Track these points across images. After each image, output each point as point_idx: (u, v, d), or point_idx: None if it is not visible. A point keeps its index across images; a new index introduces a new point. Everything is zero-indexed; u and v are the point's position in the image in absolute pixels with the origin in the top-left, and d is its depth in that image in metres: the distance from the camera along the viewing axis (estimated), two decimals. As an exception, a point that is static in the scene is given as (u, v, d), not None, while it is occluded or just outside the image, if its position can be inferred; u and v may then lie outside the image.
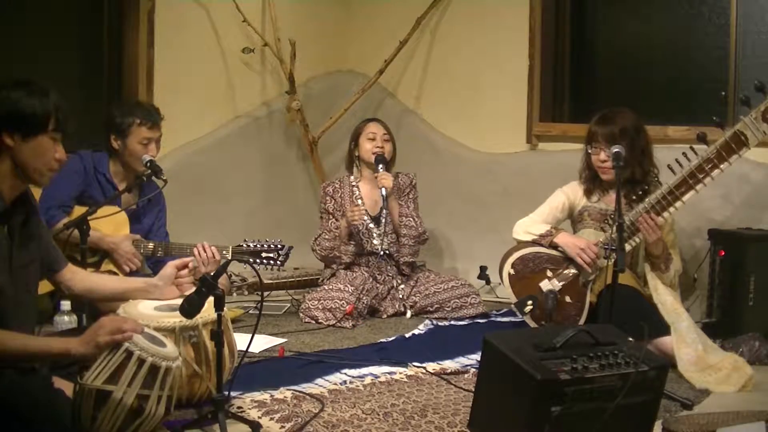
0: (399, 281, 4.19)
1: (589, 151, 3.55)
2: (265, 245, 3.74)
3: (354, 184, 4.28)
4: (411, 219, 4.18)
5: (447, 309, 4.07)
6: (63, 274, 2.56)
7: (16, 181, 2.27)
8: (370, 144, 4.20)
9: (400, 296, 4.15)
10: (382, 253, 4.16)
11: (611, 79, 4.87)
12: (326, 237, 4.15)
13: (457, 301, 4.08)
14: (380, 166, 4.13)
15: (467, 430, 2.45)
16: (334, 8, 5.49)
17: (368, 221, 4.19)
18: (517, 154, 4.88)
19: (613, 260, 3.06)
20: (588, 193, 3.65)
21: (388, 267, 4.19)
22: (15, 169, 2.24)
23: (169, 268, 2.71)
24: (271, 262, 3.74)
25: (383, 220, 4.14)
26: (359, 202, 4.22)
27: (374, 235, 4.19)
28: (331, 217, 4.20)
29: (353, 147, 4.30)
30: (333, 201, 4.22)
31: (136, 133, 3.63)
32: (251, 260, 3.65)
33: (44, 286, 2.57)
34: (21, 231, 2.30)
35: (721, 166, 3.20)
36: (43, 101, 2.23)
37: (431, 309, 4.09)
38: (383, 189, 4.06)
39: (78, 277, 2.61)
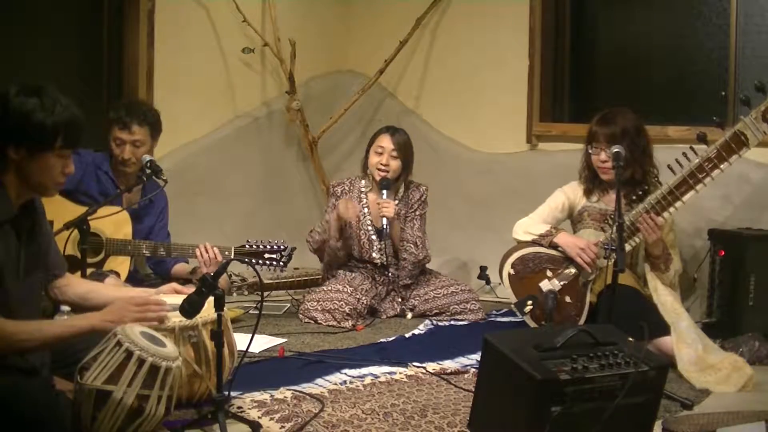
0: (396, 285, 4.16)
1: (590, 151, 3.55)
2: (267, 246, 3.73)
3: (363, 190, 4.20)
4: (412, 246, 4.08)
5: (447, 314, 4.06)
6: (61, 281, 2.54)
7: (23, 190, 2.24)
8: (377, 158, 4.07)
9: (399, 299, 4.14)
10: (380, 264, 4.13)
11: (611, 79, 4.87)
12: (318, 230, 4.11)
13: (456, 307, 4.07)
14: (384, 192, 4.02)
15: (467, 430, 2.45)
16: (334, 8, 5.49)
17: (371, 232, 4.14)
18: (517, 154, 4.88)
19: (613, 260, 3.06)
20: (588, 193, 3.65)
21: (384, 279, 4.15)
22: (20, 180, 2.20)
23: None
24: (274, 263, 3.73)
25: (385, 234, 4.03)
26: (365, 210, 4.15)
27: (375, 248, 4.13)
28: None
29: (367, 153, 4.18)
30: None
31: (111, 131, 3.61)
32: (253, 261, 3.65)
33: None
34: (29, 236, 2.29)
35: (721, 166, 3.21)
36: (54, 117, 2.13)
37: (430, 314, 4.08)
38: (385, 219, 3.97)
39: (73, 283, 2.59)
